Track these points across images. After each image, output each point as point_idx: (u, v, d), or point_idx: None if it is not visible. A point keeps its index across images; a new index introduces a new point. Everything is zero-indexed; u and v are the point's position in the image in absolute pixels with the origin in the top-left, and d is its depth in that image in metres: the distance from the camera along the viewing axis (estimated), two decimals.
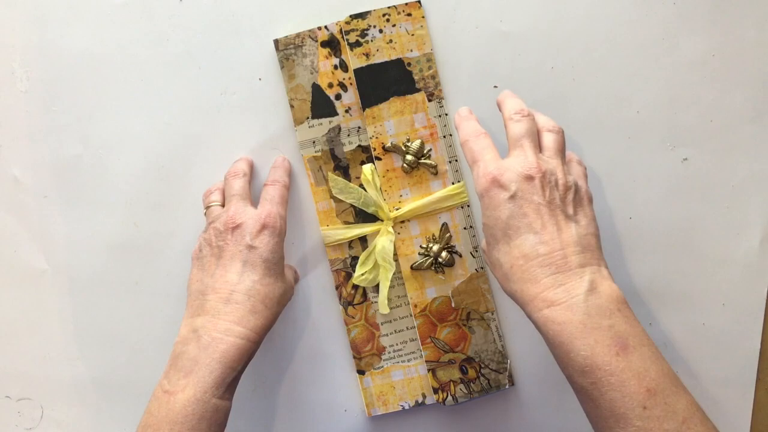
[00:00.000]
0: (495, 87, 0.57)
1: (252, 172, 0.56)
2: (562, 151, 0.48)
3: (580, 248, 0.43)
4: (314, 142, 0.57)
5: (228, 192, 0.53)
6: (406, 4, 0.56)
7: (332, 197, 0.57)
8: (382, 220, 0.57)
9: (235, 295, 0.48)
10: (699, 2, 0.56)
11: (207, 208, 0.55)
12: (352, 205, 0.57)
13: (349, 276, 0.57)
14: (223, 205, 0.54)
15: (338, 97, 0.57)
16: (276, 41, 0.56)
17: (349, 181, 0.57)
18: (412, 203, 0.56)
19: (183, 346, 0.47)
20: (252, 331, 0.47)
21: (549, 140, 0.48)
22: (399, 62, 0.56)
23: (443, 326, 0.57)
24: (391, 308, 0.57)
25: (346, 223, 0.57)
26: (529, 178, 0.44)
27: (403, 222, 0.57)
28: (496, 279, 0.47)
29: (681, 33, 0.56)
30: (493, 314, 0.57)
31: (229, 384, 0.46)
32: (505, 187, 0.44)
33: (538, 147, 0.47)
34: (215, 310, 0.47)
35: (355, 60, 0.56)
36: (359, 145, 0.57)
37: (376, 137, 0.56)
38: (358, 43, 0.56)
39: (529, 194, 0.44)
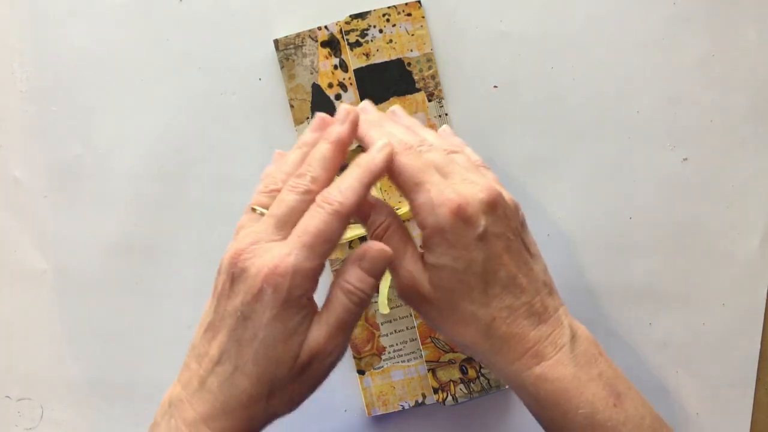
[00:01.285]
0: (495, 87, 0.57)
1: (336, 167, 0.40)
2: (477, 164, 0.41)
3: (547, 289, 0.38)
4: None
5: (273, 203, 0.38)
6: (406, 4, 0.56)
7: None
8: None
9: (210, 379, 0.36)
10: (699, 2, 0.56)
11: (252, 209, 0.39)
12: None
13: None
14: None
15: (338, 97, 0.57)
16: (276, 41, 0.56)
17: None
18: None
19: (159, 418, 0.38)
20: (242, 420, 0.36)
21: (462, 160, 0.40)
22: (399, 62, 0.56)
23: None
24: (391, 308, 0.57)
25: None
26: (493, 206, 0.37)
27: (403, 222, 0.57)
28: (453, 340, 0.38)
29: (681, 33, 0.56)
30: None
31: None
32: (474, 223, 0.36)
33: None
34: (190, 388, 0.37)
35: (355, 60, 0.56)
36: (359, 145, 0.57)
37: None
38: (358, 43, 0.56)
39: (498, 228, 0.36)
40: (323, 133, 0.39)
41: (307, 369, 0.36)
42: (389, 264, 0.37)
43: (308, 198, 0.37)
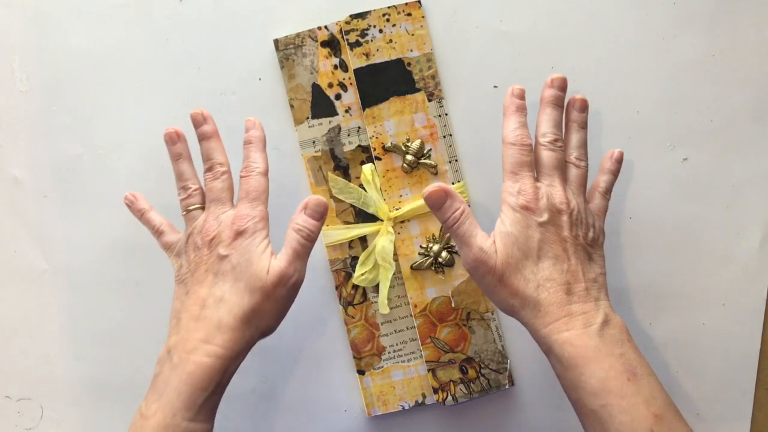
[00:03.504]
0: (495, 87, 0.57)
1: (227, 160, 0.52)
2: (584, 186, 0.50)
3: (597, 285, 0.47)
4: (314, 142, 0.57)
5: (207, 196, 0.51)
6: (406, 4, 0.56)
7: (332, 197, 0.57)
8: (382, 220, 0.57)
9: (204, 311, 0.46)
10: (699, 2, 0.56)
11: (187, 211, 0.52)
12: (352, 205, 0.57)
13: (349, 276, 0.57)
14: (203, 208, 0.51)
15: (338, 97, 0.57)
16: (276, 41, 0.56)
17: (349, 181, 0.57)
18: (412, 203, 0.56)
19: (160, 367, 0.46)
20: (221, 347, 0.45)
21: (574, 175, 0.50)
22: (399, 62, 0.56)
23: (443, 326, 0.57)
24: (391, 308, 0.57)
25: (346, 223, 0.57)
26: (560, 212, 0.47)
27: (403, 222, 0.57)
28: (504, 303, 0.47)
29: (681, 33, 0.56)
30: (493, 314, 0.57)
31: (201, 406, 0.44)
32: (537, 215, 0.46)
33: (566, 179, 0.49)
34: (186, 329, 0.46)
35: (355, 60, 0.56)
36: (359, 145, 0.57)
37: (376, 137, 0.56)
38: (358, 43, 0.56)
39: (558, 226, 0.46)
40: (199, 133, 0.52)
41: (277, 287, 0.46)
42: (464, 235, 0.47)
43: (226, 176, 0.51)
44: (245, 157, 0.51)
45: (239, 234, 0.47)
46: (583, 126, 0.51)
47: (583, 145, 0.51)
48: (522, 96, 0.49)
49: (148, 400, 0.45)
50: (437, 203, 0.47)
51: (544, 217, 0.46)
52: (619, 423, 0.41)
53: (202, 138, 0.52)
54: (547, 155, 0.48)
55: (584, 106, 0.51)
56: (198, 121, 0.51)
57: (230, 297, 0.46)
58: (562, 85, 0.50)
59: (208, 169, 0.51)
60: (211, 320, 0.46)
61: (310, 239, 0.48)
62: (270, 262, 0.47)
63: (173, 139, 0.52)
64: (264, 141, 0.51)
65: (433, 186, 0.47)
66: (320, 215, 0.48)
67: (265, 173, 0.50)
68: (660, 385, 0.44)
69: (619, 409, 0.41)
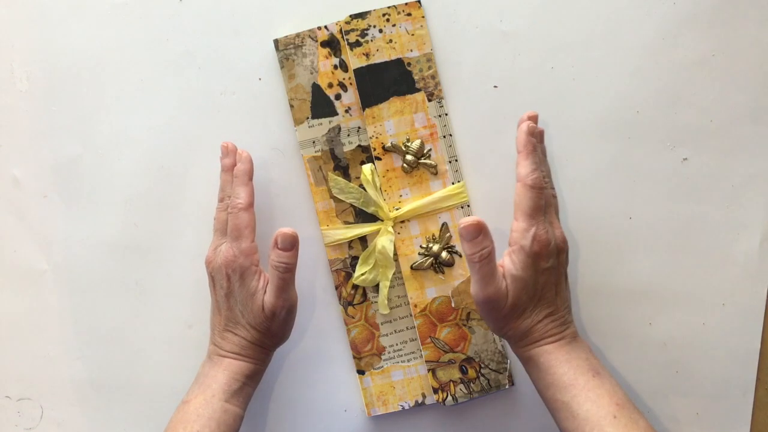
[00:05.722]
0: (495, 87, 0.57)
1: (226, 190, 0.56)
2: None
3: (567, 308, 0.51)
4: (314, 142, 0.57)
5: (213, 224, 0.56)
6: (406, 4, 0.56)
7: (332, 197, 0.57)
8: (382, 220, 0.57)
9: (225, 334, 0.53)
10: (699, 2, 0.56)
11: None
12: (352, 205, 0.57)
13: (349, 276, 0.57)
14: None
15: (338, 97, 0.57)
16: (276, 41, 0.56)
17: (349, 181, 0.57)
18: (412, 203, 0.56)
19: (201, 368, 0.54)
20: (246, 359, 0.53)
21: (555, 204, 0.53)
22: (399, 62, 0.56)
23: (443, 326, 0.57)
24: (391, 308, 0.57)
25: (346, 223, 0.57)
26: (561, 251, 0.50)
27: (403, 222, 0.57)
28: (501, 331, 0.51)
29: (681, 33, 0.56)
30: None
31: (236, 391, 0.52)
32: (546, 260, 0.49)
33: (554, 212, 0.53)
34: (218, 343, 0.54)
35: (355, 60, 0.56)
36: (359, 145, 0.57)
37: (376, 137, 0.56)
38: (358, 43, 0.56)
39: (555, 265, 0.50)
40: (235, 158, 0.55)
41: (275, 318, 0.52)
42: (485, 277, 0.49)
43: (222, 209, 0.55)
44: (231, 190, 0.54)
45: (229, 278, 0.52)
46: (545, 154, 0.54)
47: (549, 173, 0.54)
48: (534, 132, 0.50)
49: (189, 392, 0.52)
50: (470, 235, 0.48)
51: (550, 262, 0.49)
52: (586, 410, 0.46)
53: (222, 169, 0.56)
54: (539, 196, 0.49)
55: (542, 136, 0.54)
56: (222, 153, 0.56)
57: (242, 330, 0.53)
58: (538, 133, 0.53)
59: (220, 200, 0.55)
60: (233, 340, 0.53)
61: (288, 270, 0.51)
62: (263, 300, 0.52)
63: (223, 152, 0.56)
64: (250, 173, 0.54)
65: (471, 219, 0.48)
66: (291, 245, 0.51)
67: (248, 207, 0.53)
68: (617, 382, 0.49)
69: (586, 399, 0.47)
